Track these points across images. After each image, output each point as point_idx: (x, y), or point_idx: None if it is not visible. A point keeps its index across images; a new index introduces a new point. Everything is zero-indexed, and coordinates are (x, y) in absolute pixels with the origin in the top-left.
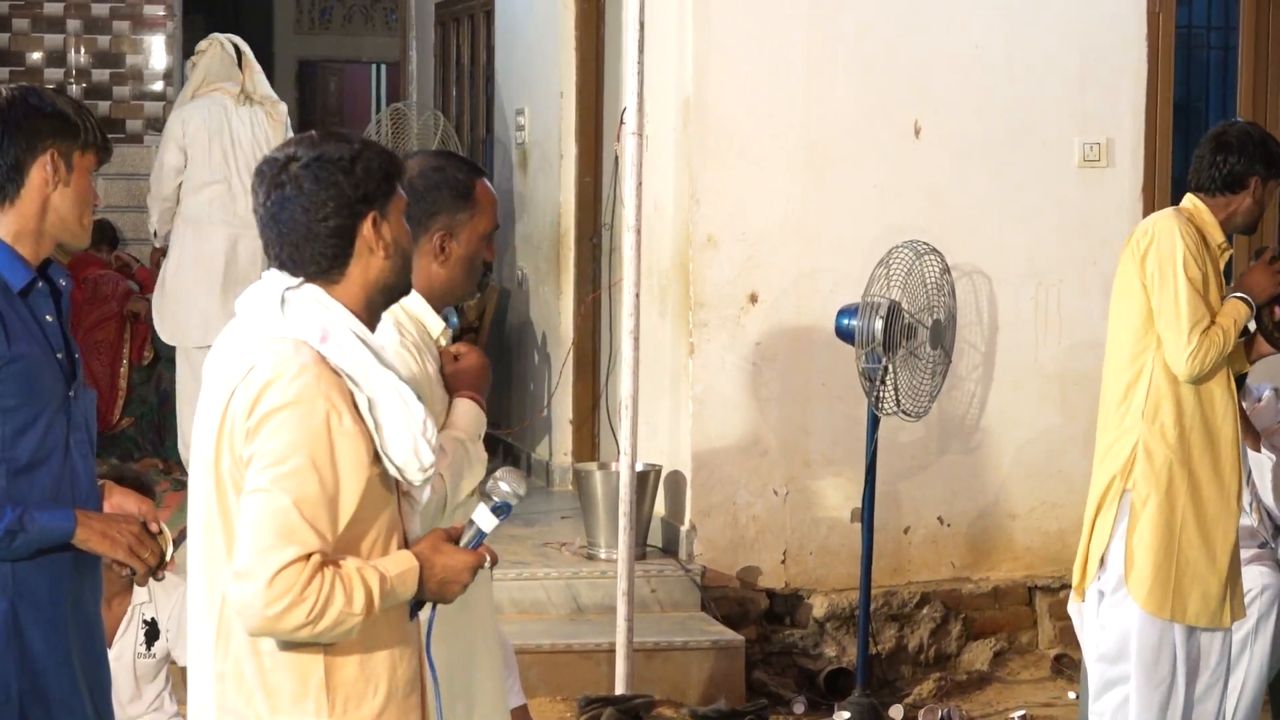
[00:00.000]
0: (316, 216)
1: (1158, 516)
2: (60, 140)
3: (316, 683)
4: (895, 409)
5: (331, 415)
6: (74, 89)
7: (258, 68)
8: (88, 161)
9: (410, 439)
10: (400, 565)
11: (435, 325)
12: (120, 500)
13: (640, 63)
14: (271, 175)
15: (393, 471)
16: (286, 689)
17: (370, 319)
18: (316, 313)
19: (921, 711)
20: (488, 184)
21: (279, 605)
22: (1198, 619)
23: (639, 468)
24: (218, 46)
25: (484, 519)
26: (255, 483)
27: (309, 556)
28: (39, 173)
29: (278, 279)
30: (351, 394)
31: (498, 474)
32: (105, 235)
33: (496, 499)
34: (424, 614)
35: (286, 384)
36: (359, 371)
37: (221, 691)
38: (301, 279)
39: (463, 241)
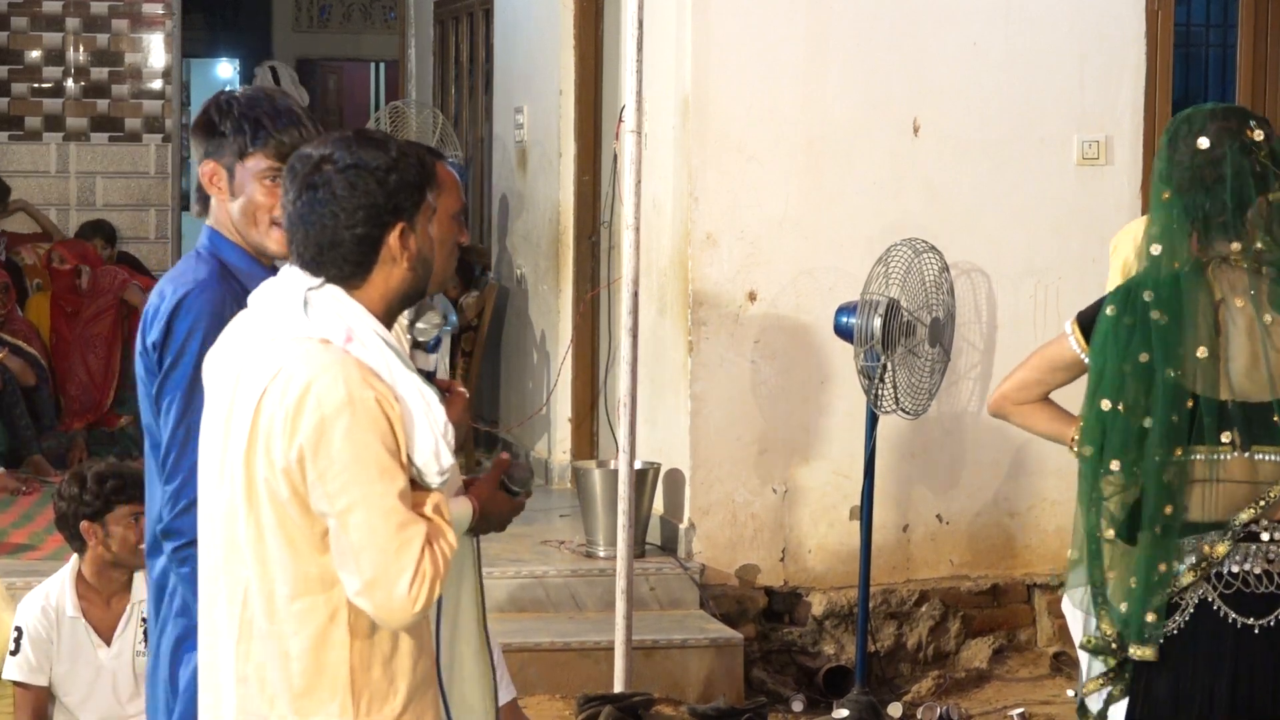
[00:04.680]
0: (345, 223)
1: None
2: None
3: (343, 685)
4: (894, 407)
5: (382, 401)
6: (72, 87)
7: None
8: None
9: (432, 441)
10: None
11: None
12: None
13: (639, 61)
14: (304, 174)
15: (412, 472)
16: (312, 691)
17: (388, 322)
18: (340, 313)
19: (920, 709)
20: (447, 167)
21: (423, 596)
22: None
23: (638, 466)
24: None
25: (425, 361)
26: (350, 495)
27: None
28: None
29: (298, 278)
30: None
31: (411, 316)
32: (102, 233)
33: (423, 339)
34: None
35: (330, 385)
36: (384, 372)
37: (244, 694)
38: (322, 279)
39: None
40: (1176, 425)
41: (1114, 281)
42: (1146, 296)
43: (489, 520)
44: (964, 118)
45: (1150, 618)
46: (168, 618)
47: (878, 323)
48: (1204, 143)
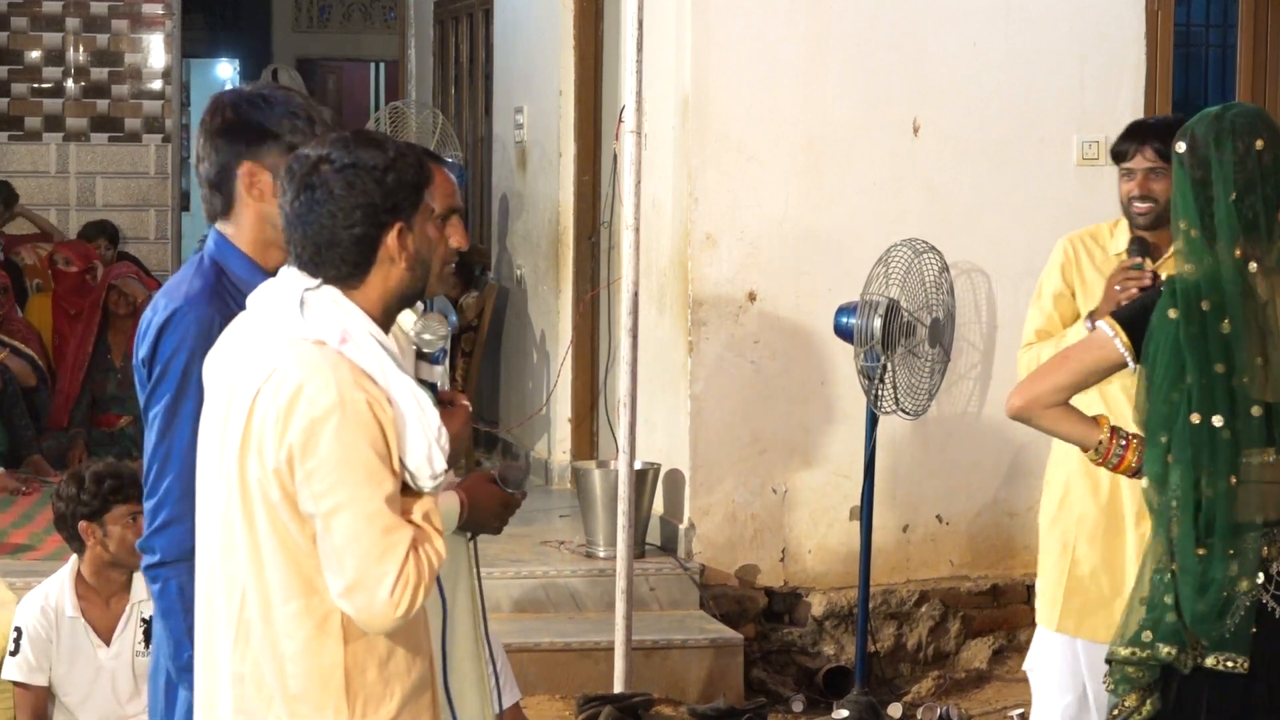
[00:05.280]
0: (343, 223)
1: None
2: None
3: (336, 686)
4: (894, 407)
5: (373, 404)
6: (72, 87)
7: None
8: None
9: (425, 445)
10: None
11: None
12: None
13: (639, 61)
14: (301, 174)
15: (405, 476)
16: (307, 693)
17: (385, 324)
18: (336, 314)
19: (920, 710)
20: (444, 170)
21: (406, 601)
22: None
23: (638, 466)
24: None
25: (429, 373)
26: (336, 496)
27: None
28: None
29: (296, 278)
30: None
31: (417, 327)
32: (106, 233)
33: (429, 350)
34: (435, 620)
35: (321, 387)
36: (378, 374)
37: (241, 694)
38: (320, 280)
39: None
40: (1243, 431)
41: (1050, 284)
42: (1205, 305)
43: (479, 515)
44: (964, 118)
45: (1224, 623)
46: (162, 635)
47: (878, 323)
48: (1260, 144)
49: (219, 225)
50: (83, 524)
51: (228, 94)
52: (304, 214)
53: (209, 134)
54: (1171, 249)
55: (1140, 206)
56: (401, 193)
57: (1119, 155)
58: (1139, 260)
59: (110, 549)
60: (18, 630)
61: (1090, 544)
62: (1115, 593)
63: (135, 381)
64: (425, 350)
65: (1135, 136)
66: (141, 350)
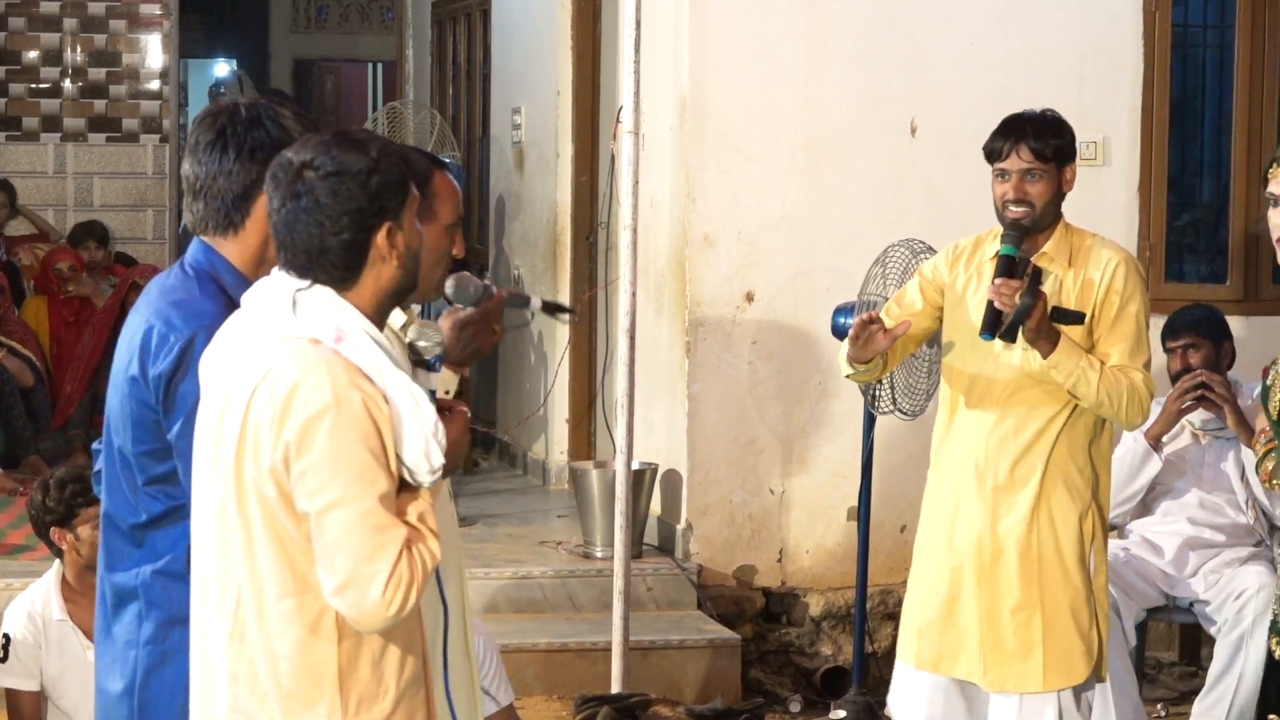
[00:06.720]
0: (331, 230)
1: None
2: None
3: (330, 684)
4: (892, 408)
5: (369, 402)
6: (70, 87)
7: None
8: None
9: (422, 440)
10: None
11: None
12: None
13: (637, 61)
14: (286, 182)
15: (403, 472)
16: (300, 691)
17: (379, 321)
18: (329, 313)
19: None
20: (449, 177)
21: (398, 600)
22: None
23: (635, 466)
24: None
25: (426, 380)
26: (329, 494)
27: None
28: None
29: (287, 279)
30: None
31: (413, 334)
32: (94, 234)
33: (426, 356)
34: (436, 620)
35: (317, 385)
36: (373, 371)
37: (235, 693)
38: (311, 281)
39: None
40: None
41: (914, 281)
42: None
43: (465, 338)
44: (962, 118)
45: None
46: (136, 644)
47: None
48: None
49: (212, 239)
50: (54, 531)
51: (255, 107)
52: (291, 222)
53: (241, 148)
54: (1043, 250)
55: (1016, 211)
56: (387, 193)
57: (993, 154)
58: (1011, 245)
59: (83, 553)
60: (5, 637)
61: (942, 575)
62: (967, 631)
63: (130, 396)
64: (424, 357)
65: (1010, 134)
66: (158, 366)
